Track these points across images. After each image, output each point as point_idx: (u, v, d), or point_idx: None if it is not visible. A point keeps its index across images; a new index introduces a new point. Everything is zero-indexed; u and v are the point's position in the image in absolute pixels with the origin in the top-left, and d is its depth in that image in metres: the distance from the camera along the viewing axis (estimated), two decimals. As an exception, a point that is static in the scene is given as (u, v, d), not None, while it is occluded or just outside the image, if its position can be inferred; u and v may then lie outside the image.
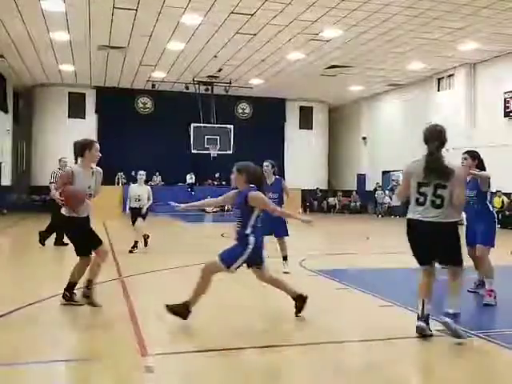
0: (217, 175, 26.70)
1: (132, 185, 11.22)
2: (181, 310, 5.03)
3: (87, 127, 25.37)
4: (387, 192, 24.57)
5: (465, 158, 6.26)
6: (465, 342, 4.63)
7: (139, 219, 10.44)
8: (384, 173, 26.17)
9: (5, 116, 23.05)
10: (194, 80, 23.51)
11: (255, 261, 5.19)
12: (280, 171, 10.32)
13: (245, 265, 5.17)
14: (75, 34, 16.78)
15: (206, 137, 24.42)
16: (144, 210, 10.48)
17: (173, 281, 7.77)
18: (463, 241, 5.12)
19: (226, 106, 25.41)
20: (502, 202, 18.09)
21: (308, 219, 5.39)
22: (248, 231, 5.09)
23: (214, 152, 24.14)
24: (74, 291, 5.90)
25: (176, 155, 25.11)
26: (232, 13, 14.68)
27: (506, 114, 18.93)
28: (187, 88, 24.04)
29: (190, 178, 26.07)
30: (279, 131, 28.59)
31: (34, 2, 13.90)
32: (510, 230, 16.68)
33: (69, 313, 5.74)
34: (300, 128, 29.07)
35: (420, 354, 4.65)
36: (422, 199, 4.78)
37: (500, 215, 16.71)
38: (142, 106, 26.63)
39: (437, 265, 4.96)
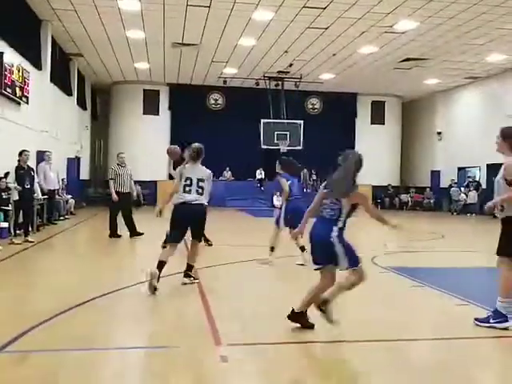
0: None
1: None
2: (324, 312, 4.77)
3: (161, 124, 26.13)
4: (463, 189, 23.74)
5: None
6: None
7: None
8: (460, 169, 25.25)
9: (84, 113, 24.05)
10: (264, 76, 23.61)
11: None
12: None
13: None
14: (150, 32, 17.25)
15: (275, 132, 24.47)
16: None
17: (253, 273, 7.88)
18: None
19: (295, 101, 25.30)
20: None
21: (396, 223, 4.91)
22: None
23: (283, 148, 24.09)
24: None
25: (246, 151, 25.22)
26: (304, 7, 14.60)
27: None
28: (257, 84, 24.17)
29: (260, 174, 26.19)
30: (350, 126, 28.11)
31: (112, 1, 14.40)
32: None
33: (146, 302, 5.93)
34: (372, 123, 28.51)
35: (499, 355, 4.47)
36: None
37: None
38: (213, 102, 27.01)
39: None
